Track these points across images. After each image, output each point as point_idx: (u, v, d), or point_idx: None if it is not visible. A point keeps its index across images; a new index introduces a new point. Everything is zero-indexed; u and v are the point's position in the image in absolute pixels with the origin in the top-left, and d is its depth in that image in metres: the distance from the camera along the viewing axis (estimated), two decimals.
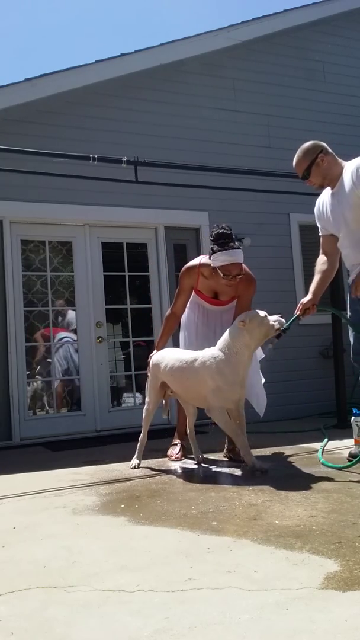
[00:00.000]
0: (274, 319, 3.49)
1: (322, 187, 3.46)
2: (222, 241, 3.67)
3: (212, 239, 3.74)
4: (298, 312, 3.50)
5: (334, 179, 3.34)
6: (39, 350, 5.87)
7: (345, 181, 3.26)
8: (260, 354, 3.97)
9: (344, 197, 3.27)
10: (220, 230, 3.70)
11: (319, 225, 3.62)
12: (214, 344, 3.61)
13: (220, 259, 3.67)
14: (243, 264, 3.77)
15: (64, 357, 6.04)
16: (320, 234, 3.66)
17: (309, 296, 3.53)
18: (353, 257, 3.35)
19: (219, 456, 4.04)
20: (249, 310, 3.69)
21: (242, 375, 3.52)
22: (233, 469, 3.67)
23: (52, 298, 5.81)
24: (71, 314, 5.99)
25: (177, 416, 4.21)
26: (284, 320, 3.48)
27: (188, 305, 4.06)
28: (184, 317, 4.10)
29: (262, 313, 3.51)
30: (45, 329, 5.84)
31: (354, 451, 3.54)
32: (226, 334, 3.55)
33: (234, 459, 3.84)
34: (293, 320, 3.53)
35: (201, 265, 3.88)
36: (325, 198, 3.49)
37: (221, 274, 3.71)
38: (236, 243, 3.70)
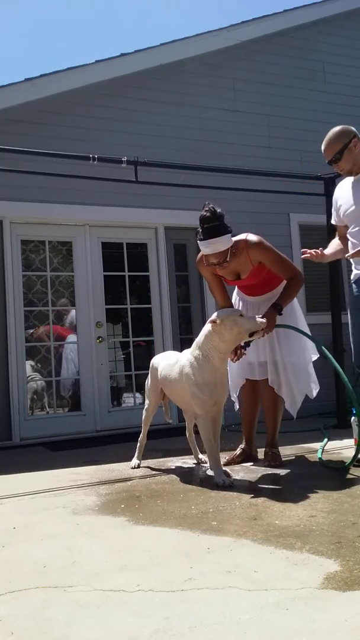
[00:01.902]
0: (251, 319, 3.28)
1: (350, 174, 3.33)
2: (203, 227, 3.38)
3: (199, 220, 3.45)
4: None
5: None
6: (43, 348, 5.87)
7: None
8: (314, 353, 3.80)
9: None
10: (204, 214, 3.38)
11: (334, 215, 3.50)
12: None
13: (202, 249, 3.47)
14: (246, 235, 3.52)
15: (72, 359, 6.05)
16: (334, 222, 3.56)
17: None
18: None
19: (222, 455, 4.03)
20: (287, 266, 3.52)
21: (212, 379, 3.32)
22: (233, 469, 3.66)
23: (52, 298, 5.81)
24: (72, 314, 6.01)
25: (242, 418, 3.99)
26: (263, 320, 3.26)
27: (233, 299, 3.87)
28: None
29: (237, 312, 3.36)
30: (48, 326, 5.84)
31: None
32: (201, 333, 3.41)
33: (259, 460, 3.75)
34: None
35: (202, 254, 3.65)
36: (346, 185, 3.37)
37: (204, 261, 3.54)
38: (218, 227, 3.36)
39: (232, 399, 3.92)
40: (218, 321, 3.25)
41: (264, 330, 3.32)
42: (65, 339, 6.04)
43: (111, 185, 5.21)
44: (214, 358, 3.30)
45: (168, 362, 3.68)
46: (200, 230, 3.40)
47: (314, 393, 3.87)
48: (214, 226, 3.36)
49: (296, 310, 3.76)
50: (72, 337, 6.02)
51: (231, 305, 3.73)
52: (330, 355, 3.58)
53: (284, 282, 3.62)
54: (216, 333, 3.26)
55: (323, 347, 3.59)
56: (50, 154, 4.77)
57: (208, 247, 3.40)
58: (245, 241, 3.49)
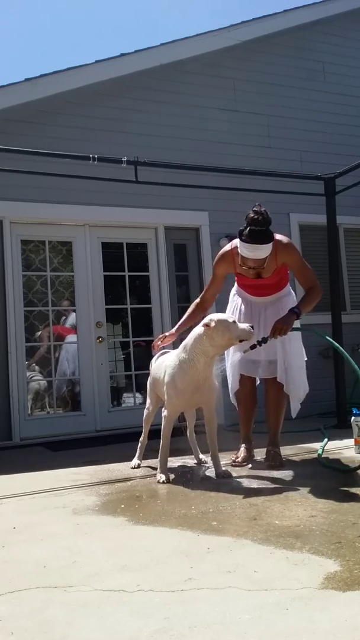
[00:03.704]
0: (243, 327, 3.26)
1: None
2: (252, 229, 3.29)
3: (246, 219, 3.36)
4: None
5: None
6: (43, 348, 5.87)
7: None
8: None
9: None
10: (255, 216, 3.30)
11: None
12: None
13: (242, 249, 3.39)
14: (276, 235, 3.45)
15: (66, 359, 6.05)
16: None
17: None
18: None
19: (222, 456, 4.03)
20: (310, 274, 3.51)
21: (192, 383, 3.30)
22: (233, 469, 3.66)
23: (52, 298, 5.81)
24: (72, 315, 6.01)
25: (239, 417, 3.97)
26: (253, 331, 3.27)
27: (230, 297, 3.87)
28: (228, 310, 3.85)
29: (231, 318, 3.31)
30: (53, 326, 5.84)
31: None
32: (190, 335, 3.37)
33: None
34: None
35: (235, 247, 3.55)
36: None
37: (239, 260, 3.47)
38: (268, 233, 3.33)
39: (231, 398, 3.92)
40: (212, 324, 3.23)
41: (279, 332, 3.35)
42: (65, 339, 6.04)
43: (111, 185, 5.21)
44: (199, 362, 3.28)
45: (158, 362, 3.71)
46: (247, 232, 3.31)
47: (303, 396, 3.90)
48: (263, 231, 3.31)
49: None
50: (71, 337, 6.02)
51: (210, 305, 3.78)
52: (341, 348, 3.62)
53: (288, 286, 3.68)
54: (207, 337, 3.24)
55: (334, 342, 3.60)
56: (50, 154, 4.77)
57: (253, 252, 3.35)
58: (277, 241, 3.45)
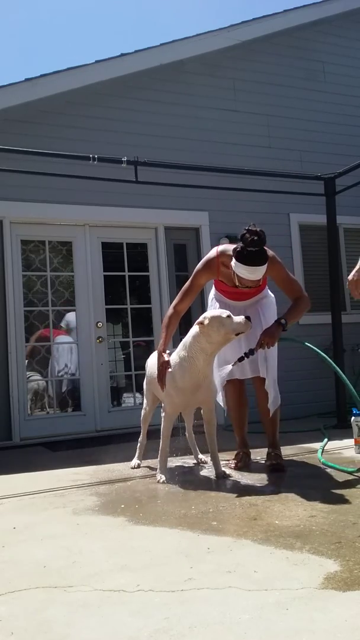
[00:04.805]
0: (238, 320, 3.24)
1: None
2: (251, 250, 3.23)
3: (241, 239, 3.28)
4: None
5: None
6: (37, 351, 5.87)
7: None
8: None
9: None
10: (255, 237, 3.23)
11: None
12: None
13: (241, 270, 3.31)
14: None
15: (56, 359, 6.04)
16: None
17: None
18: None
19: (221, 456, 4.03)
20: (296, 285, 3.52)
21: (192, 382, 3.31)
22: (232, 469, 3.66)
23: (52, 298, 5.81)
24: (70, 316, 5.99)
25: (232, 422, 3.94)
26: (249, 322, 3.24)
27: (209, 302, 3.82)
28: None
29: (224, 313, 3.29)
30: (43, 330, 5.84)
31: None
32: (188, 334, 3.38)
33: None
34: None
35: (220, 254, 3.50)
36: None
37: (235, 279, 3.41)
38: (265, 253, 3.29)
39: (219, 400, 3.82)
40: (205, 322, 3.25)
41: (266, 344, 3.32)
42: (54, 340, 6.00)
43: (111, 185, 5.21)
44: (199, 360, 3.29)
45: (154, 361, 3.68)
46: (244, 253, 3.24)
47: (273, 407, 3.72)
48: (261, 252, 3.27)
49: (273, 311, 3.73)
50: (61, 338, 6.02)
51: (182, 313, 3.65)
52: (329, 359, 3.59)
53: (266, 287, 3.66)
54: (203, 334, 3.26)
55: (322, 353, 3.57)
56: (50, 154, 4.78)
57: (253, 274, 3.30)
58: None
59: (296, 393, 6.19)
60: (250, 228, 3.27)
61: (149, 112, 6.03)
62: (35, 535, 2.55)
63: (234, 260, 3.33)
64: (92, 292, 5.82)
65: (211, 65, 6.38)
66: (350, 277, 3.03)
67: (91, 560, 2.18)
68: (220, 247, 3.58)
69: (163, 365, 3.41)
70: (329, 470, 3.49)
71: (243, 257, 3.26)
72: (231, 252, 3.38)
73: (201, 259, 3.82)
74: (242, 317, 3.28)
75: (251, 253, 3.24)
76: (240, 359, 3.44)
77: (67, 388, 6.05)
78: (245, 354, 3.42)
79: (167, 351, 3.54)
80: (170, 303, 3.81)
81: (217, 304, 3.75)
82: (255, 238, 3.23)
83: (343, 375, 3.69)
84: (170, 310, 3.65)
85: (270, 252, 3.41)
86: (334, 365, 3.67)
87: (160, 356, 3.46)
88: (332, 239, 5.67)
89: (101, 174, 5.07)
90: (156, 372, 3.49)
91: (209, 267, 3.56)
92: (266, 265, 3.32)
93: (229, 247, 3.48)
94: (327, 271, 5.68)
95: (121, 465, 3.96)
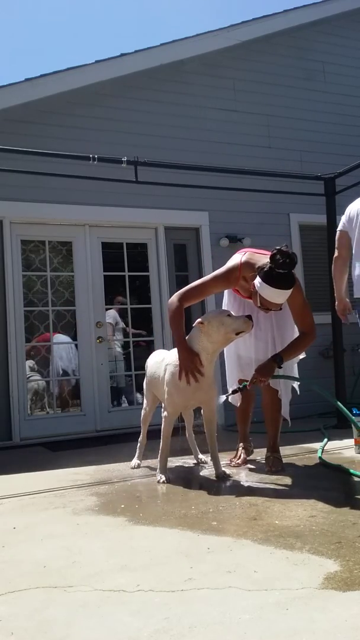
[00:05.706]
0: (238, 319, 3.22)
1: None
2: (280, 273, 3.08)
3: (271, 259, 3.11)
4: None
5: None
6: (43, 348, 5.87)
7: None
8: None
9: None
10: (287, 260, 3.08)
11: (344, 222, 3.89)
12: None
13: (266, 292, 3.16)
14: None
15: (64, 357, 6.05)
16: (340, 229, 3.93)
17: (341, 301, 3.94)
18: None
19: (221, 456, 4.03)
20: (308, 315, 3.39)
21: (194, 383, 3.27)
22: (233, 469, 3.66)
23: (52, 298, 5.81)
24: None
25: (237, 415, 3.96)
26: (250, 321, 3.20)
27: (225, 294, 3.75)
28: (225, 300, 3.77)
29: (225, 313, 3.29)
30: (40, 336, 5.85)
31: None
32: (189, 334, 3.37)
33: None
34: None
35: (243, 267, 3.36)
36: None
37: (258, 301, 3.26)
38: (294, 277, 3.17)
39: (229, 398, 3.81)
40: (205, 322, 3.24)
41: (260, 381, 3.30)
42: (52, 340, 6.01)
43: (111, 185, 5.21)
44: (201, 359, 3.28)
45: (155, 360, 3.69)
46: (274, 274, 3.10)
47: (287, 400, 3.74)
48: (291, 276, 3.15)
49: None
50: (59, 337, 6.04)
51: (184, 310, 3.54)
52: (327, 393, 3.60)
53: None
54: (204, 334, 3.25)
55: (319, 388, 3.54)
56: (50, 154, 4.77)
57: (280, 297, 3.17)
58: None
59: (296, 393, 6.19)
60: (281, 249, 3.11)
61: (149, 112, 6.04)
62: (35, 535, 2.55)
63: (258, 279, 3.18)
64: (92, 292, 5.82)
65: (211, 65, 6.38)
66: (336, 307, 3.87)
67: (91, 560, 2.18)
68: (244, 258, 3.40)
69: (194, 361, 3.25)
70: (329, 470, 3.49)
71: (272, 278, 3.12)
72: (255, 268, 3.26)
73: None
74: (243, 316, 3.28)
75: (280, 275, 3.10)
76: (234, 392, 3.55)
77: (68, 388, 6.04)
78: (238, 387, 3.50)
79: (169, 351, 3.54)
80: None
81: (234, 301, 3.71)
82: (287, 260, 3.08)
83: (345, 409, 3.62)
84: (176, 302, 3.44)
85: (296, 276, 3.28)
86: (339, 404, 3.63)
87: (185, 350, 3.28)
88: (332, 239, 5.66)
89: (101, 174, 5.07)
90: (160, 372, 3.49)
91: (228, 278, 3.44)
92: (292, 290, 3.20)
93: (253, 261, 3.34)
94: (327, 271, 5.64)
95: (121, 465, 3.96)
